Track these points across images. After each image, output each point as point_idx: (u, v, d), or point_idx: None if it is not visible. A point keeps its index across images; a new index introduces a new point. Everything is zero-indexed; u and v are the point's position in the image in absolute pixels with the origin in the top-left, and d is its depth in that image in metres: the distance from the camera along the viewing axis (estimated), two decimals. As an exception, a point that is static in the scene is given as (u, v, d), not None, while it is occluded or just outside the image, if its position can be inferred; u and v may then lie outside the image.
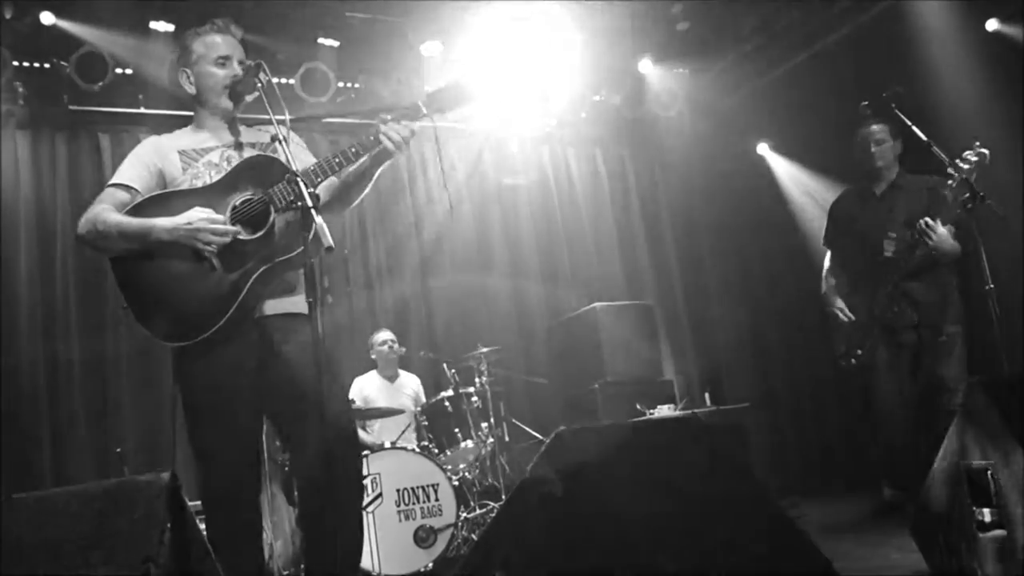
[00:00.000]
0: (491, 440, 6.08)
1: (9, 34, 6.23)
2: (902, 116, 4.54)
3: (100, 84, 6.50)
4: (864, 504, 5.52)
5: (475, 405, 6.09)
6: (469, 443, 5.96)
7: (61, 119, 6.77)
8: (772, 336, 8.49)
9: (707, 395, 6.93)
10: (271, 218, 2.98)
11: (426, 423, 6.03)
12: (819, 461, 8.00)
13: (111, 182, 3.16)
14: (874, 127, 5.26)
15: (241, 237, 2.98)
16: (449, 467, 5.72)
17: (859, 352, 5.22)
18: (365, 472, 5.31)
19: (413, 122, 3.11)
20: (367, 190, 3.30)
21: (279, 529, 5.32)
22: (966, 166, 4.50)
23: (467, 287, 7.98)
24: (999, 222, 4.24)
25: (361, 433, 6.17)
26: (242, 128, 3.30)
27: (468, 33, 7.14)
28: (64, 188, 6.67)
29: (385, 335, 6.69)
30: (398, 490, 5.42)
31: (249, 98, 3.20)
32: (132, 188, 3.11)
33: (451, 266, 7.99)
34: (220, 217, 2.97)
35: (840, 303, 5.31)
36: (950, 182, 4.72)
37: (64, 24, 6.34)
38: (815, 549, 2.88)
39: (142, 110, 6.89)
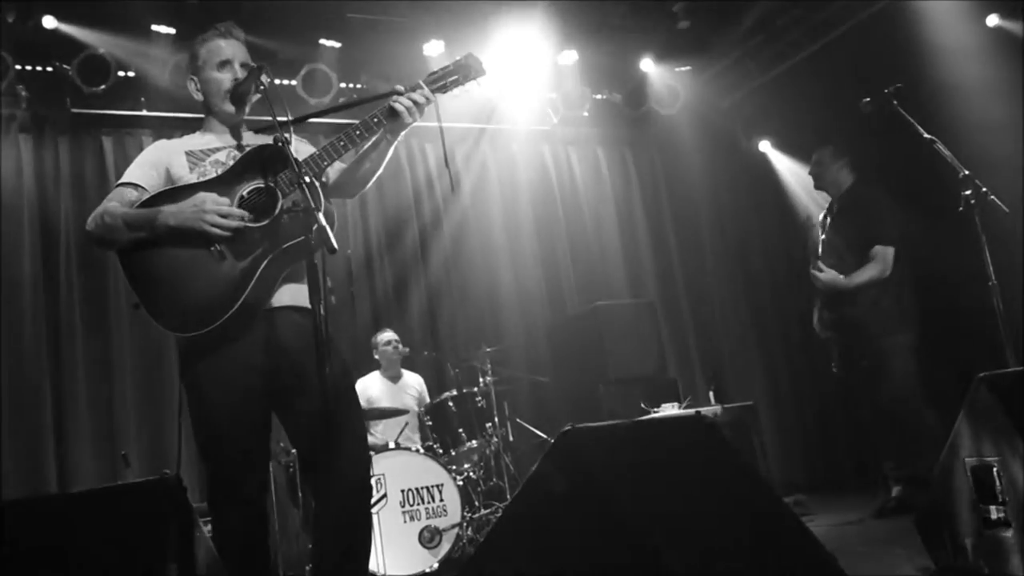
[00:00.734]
0: (495, 440, 6.08)
1: (11, 38, 6.25)
2: (903, 112, 4.53)
3: (102, 87, 6.52)
4: (869, 501, 5.51)
5: (479, 405, 6.10)
6: (473, 443, 5.96)
7: (64, 122, 6.78)
8: (775, 333, 8.49)
9: (711, 393, 6.91)
10: (279, 204, 2.98)
11: (430, 423, 6.03)
12: (823, 458, 8.00)
13: (119, 181, 3.17)
14: (815, 154, 5.79)
15: (249, 225, 2.97)
16: (454, 467, 5.72)
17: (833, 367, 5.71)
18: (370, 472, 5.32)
19: (421, 90, 3.13)
20: (382, 168, 3.28)
21: (284, 530, 5.33)
22: None
23: (470, 287, 7.99)
24: (1002, 218, 4.23)
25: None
26: (249, 133, 3.31)
27: (470, 33, 7.14)
28: (67, 191, 6.68)
29: (389, 335, 6.69)
30: (403, 491, 5.42)
31: (252, 100, 3.21)
32: (140, 187, 3.11)
33: (454, 266, 8.00)
34: (226, 200, 2.97)
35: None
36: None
37: (66, 28, 6.36)
38: (820, 547, 2.88)
39: (144, 112, 6.90)
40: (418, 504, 5.43)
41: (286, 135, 2.87)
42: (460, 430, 5.95)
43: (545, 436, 6.43)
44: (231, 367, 2.96)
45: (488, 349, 6.41)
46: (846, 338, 5.57)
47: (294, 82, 7.00)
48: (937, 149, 4.37)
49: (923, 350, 5.52)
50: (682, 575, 2.65)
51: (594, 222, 8.66)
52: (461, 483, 5.64)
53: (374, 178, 3.32)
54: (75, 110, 6.73)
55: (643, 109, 8.47)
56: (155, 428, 6.33)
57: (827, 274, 5.52)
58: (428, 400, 6.54)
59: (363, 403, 6.31)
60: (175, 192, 3.06)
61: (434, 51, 7.35)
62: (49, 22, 6.28)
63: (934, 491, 3.32)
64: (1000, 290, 4.16)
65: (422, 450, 5.71)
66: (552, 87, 8.10)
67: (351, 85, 7.48)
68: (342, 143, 3.06)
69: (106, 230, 3.01)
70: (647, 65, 8.15)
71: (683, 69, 8.29)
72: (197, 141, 3.25)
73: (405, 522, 5.37)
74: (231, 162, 3.14)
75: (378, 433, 6.36)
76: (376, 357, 6.69)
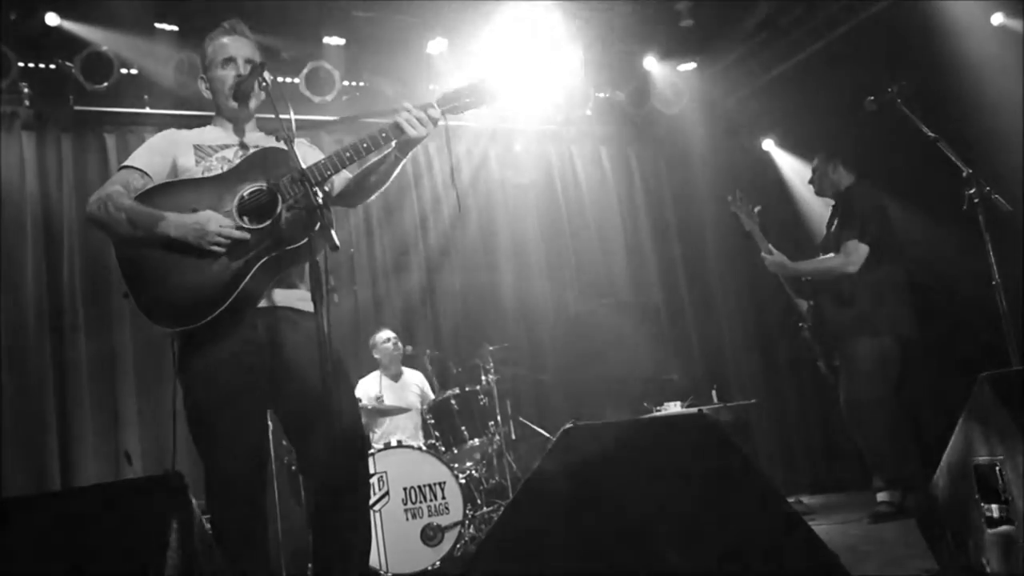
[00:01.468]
0: (498, 438, 6.08)
1: (14, 35, 6.25)
2: (907, 111, 4.53)
3: (105, 84, 6.52)
4: (870, 500, 5.51)
5: (481, 403, 6.09)
6: (476, 441, 5.96)
7: (66, 119, 6.77)
8: (778, 333, 8.48)
9: (714, 392, 6.92)
10: (278, 209, 2.98)
11: (433, 421, 6.03)
12: (825, 457, 7.99)
13: (125, 164, 3.17)
14: (812, 165, 5.79)
15: (247, 226, 2.97)
16: (456, 465, 5.72)
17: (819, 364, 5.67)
18: (372, 471, 5.32)
19: (432, 110, 3.11)
20: (388, 182, 3.28)
21: (287, 528, 5.33)
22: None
23: (473, 285, 7.99)
24: (1005, 216, 4.23)
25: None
26: (257, 134, 3.31)
27: (474, 31, 7.14)
28: (70, 188, 6.68)
29: (387, 333, 6.69)
30: (405, 489, 5.42)
31: (257, 97, 3.21)
32: (146, 173, 3.12)
33: (457, 264, 8.00)
34: (228, 222, 2.97)
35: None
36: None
37: (69, 25, 6.36)
38: (822, 545, 2.88)
39: (147, 110, 6.91)
40: (420, 502, 5.43)
41: (289, 132, 2.87)
42: (462, 428, 5.95)
43: (547, 434, 6.43)
44: (227, 365, 2.96)
45: (491, 347, 6.41)
46: (819, 332, 5.52)
47: (297, 80, 7.00)
48: (941, 148, 4.36)
49: (918, 352, 5.48)
50: (684, 574, 2.65)
51: (597, 220, 8.65)
52: (463, 481, 5.64)
53: (379, 191, 3.31)
54: (78, 107, 6.73)
55: (646, 108, 8.46)
56: (157, 426, 6.34)
57: (775, 256, 5.49)
58: (431, 396, 6.54)
59: (365, 402, 6.32)
60: (176, 187, 3.06)
61: (437, 49, 7.36)
62: (52, 19, 6.29)
63: (936, 491, 3.31)
64: (1003, 289, 4.15)
65: (424, 448, 5.70)
66: (555, 86, 8.09)
67: (354, 83, 7.48)
68: (348, 155, 3.05)
69: (109, 220, 3.01)
70: (650, 64, 8.15)
71: (687, 68, 8.28)
72: (207, 136, 3.26)
73: (407, 520, 5.38)
74: (237, 160, 3.14)
75: (380, 431, 6.37)
76: (377, 357, 6.69)
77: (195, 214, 2.96)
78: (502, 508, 5.61)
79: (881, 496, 5.19)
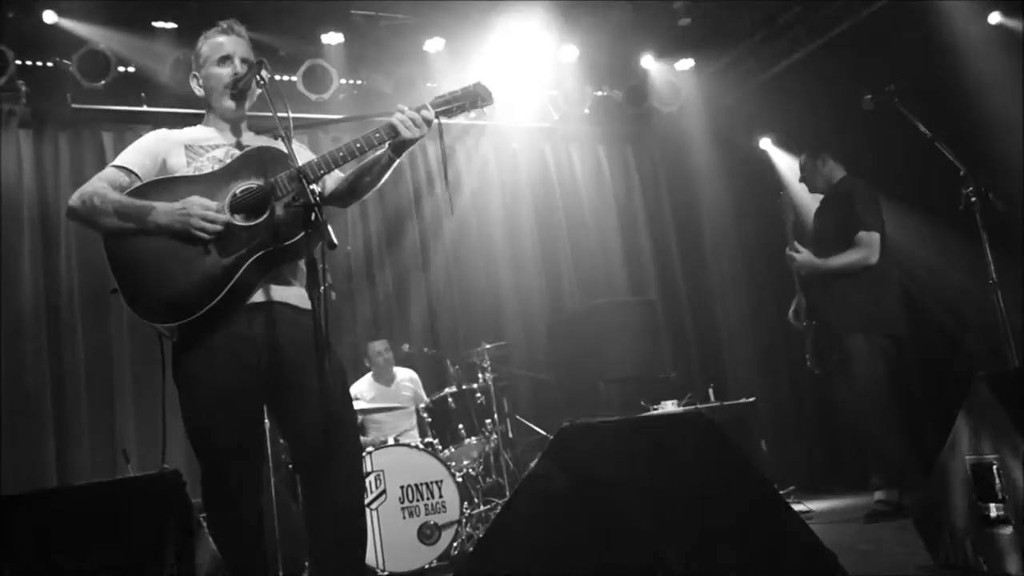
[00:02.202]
0: (495, 436, 6.08)
1: (11, 33, 6.24)
2: (904, 111, 4.53)
3: (103, 82, 6.51)
4: (868, 499, 5.51)
5: (478, 401, 6.10)
6: (473, 439, 5.97)
7: (64, 117, 6.77)
8: (775, 331, 8.48)
9: (711, 390, 6.92)
10: (271, 207, 2.97)
11: (430, 420, 6.03)
12: (824, 456, 7.99)
13: (113, 163, 3.16)
14: (799, 163, 5.80)
15: (238, 223, 2.97)
16: (453, 464, 5.73)
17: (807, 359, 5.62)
18: (369, 469, 5.33)
19: (426, 111, 3.11)
20: (381, 183, 3.28)
21: (284, 527, 5.33)
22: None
23: (470, 283, 8.00)
24: (1002, 215, 4.23)
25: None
26: (249, 133, 3.30)
27: (472, 30, 7.14)
28: (67, 186, 6.66)
29: (381, 345, 6.69)
30: (402, 487, 5.42)
31: (253, 96, 3.20)
32: (133, 172, 3.10)
33: (454, 262, 8.00)
34: (214, 204, 2.96)
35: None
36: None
37: (66, 23, 6.35)
38: (820, 544, 2.88)
39: (145, 108, 6.90)
40: (417, 500, 5.43)
41: (287, 131, 2.87)
42: (460, 426, 5.95)
43: (544, 433, 6.43)
44: (223, 364, 2.95)
45: (488, 346, 6.41)
46: (816, 330, 5.48)
47: (295, 78, 7.00)
48: (938, 147, 4.37)
49: (913, 350, 5.48)
50: (681, 572, 2.65)
51: (594, 219, 8.66)
52: (460, 479, 5.64)
53: (372, 191, 3.31)
54: (75, 105, 6.72)
55: (644, 107, 8.46)
56: (155, 424, 6.33)
57: (803, 255, 5.42)
58: (424, 396, 6.54)
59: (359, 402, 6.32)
60: (168, 183, 3.05)
61: (434, 48, 7.36)
62: (49, 17, 6.28)
63: (933, 489, 3.32)
64: (1001, 288, 4.15)
65: (421, 446, 5.71)
66: (553, 84, 8.09)
67: (352, 81, 7.48)
68: (342, 154, 3.04)
69: (94, 213, 3.00)
70: (648, 62, 8.16)
71: (684, 67, 8.29)
72: (198, 135, 3.25)
73: (404, 518, 5.38)
74: (228, 159, 3.13)
75: (373, 431, 6.37)
76: (367, 364, 6.69)
77: (180, 200, 2.96)
78: (499, 507, 5.63)
79: (878, 495, 5.18)
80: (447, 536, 5.41)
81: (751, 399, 6.81)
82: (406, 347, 6.74)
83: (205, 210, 2.93)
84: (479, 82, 3.21)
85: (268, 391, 3.03)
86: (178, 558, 2.19)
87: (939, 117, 4.66)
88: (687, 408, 6.45)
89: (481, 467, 6.06)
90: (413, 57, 7.42)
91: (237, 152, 3.18)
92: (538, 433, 6.56)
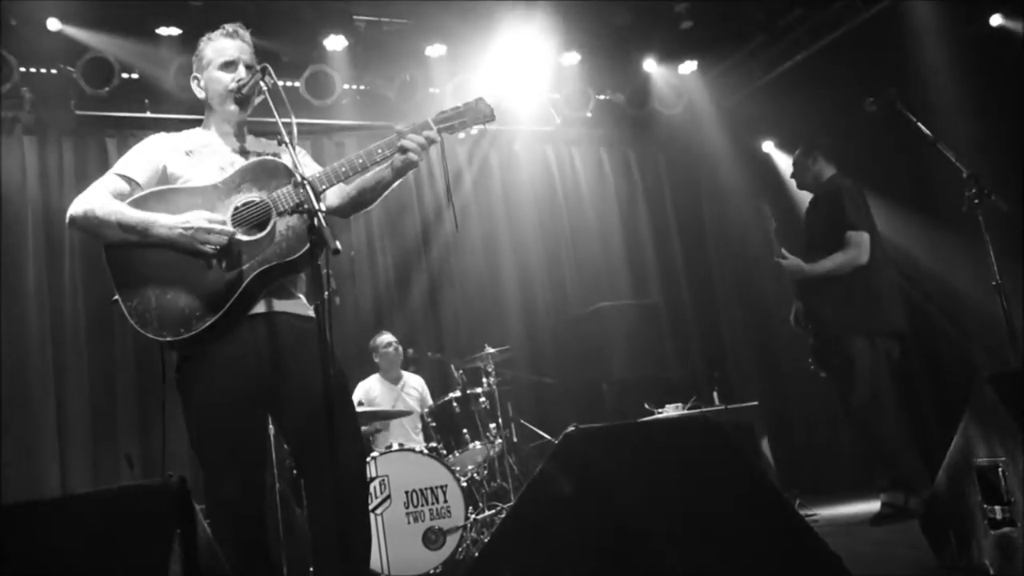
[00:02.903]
0: (499, 441, 6.07)
1: (15, 40, 6.26)
2: (906, 112, 4.53)
3: (107, 89, 6.53)
4: (873, 502, 5.51)
5: (483, 406, 6.09)
6: (477, 444, 5.96)
7: (68, 124, 6.79)
8: (779, 334, 8.47)
9: (715, 394, 6.91)
10: (272, 221, 2.98)
11: (434, 424, 6.03)
12: (828, 458, 7.98)
13: (113, 170, 3.15)
14: (792, 159, 5.72)
15: (240, 238, 2.97)
16: (457, 468, 5.72)
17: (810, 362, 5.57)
18: (374, 474, 5.33)
19: (429, 131, 3.12)
20: (381, 198, 3.30)
21: (288, 531, 5.33)
22: None
23: (474, 287, 8.00)
24: (1005, 217, 4.23)
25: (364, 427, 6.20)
26: (250, 137, 3.30)
27: (474, 34, 7.15)
28: (71, 193, 6.57)
29: (388, 337, 6.69)
30: (407, 492, 5.42)
31: (256, 101, 3.20)
32: (133, 180, 3.09)
33: (457, 266, 8.00)
34: (219, 217, 2.96)
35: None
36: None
37: (70, 30, 6.37)
38: (825, 547, 2.88)
39: (149, 114, 6.92)
40: (422, 505, 5.42)
41: (290, 136, 2.87)
42: (464, 431, 5.95)
43: (549, 437, 6.43)
44: (224, 374, 2.95)
45: (492, 350, 6.40)
46: (816, 333, 5.45)
47: (298, 83, 7.01)
48: (940, 149, 4.36)
49: (916, 350, 5.46)
50: (686, 576, 2.65)
51: (597, 222, 8.66)
52: (465, 484, 5.64)
53: (372, 206, 3.33)
54: (79, 112, 6.75)
55: (646, 110, 8.47)
56: (159, 430, 6.34)
57: (790, 261, 5.34)
58: (430, 401, 6.54)
59: (365, 406, 6.32)
60: (171, 194, 3.05)
61: (437, 53, 7.37)
62: (53, 24, 6.29)
63: (938, 491, 3.31)
64: (1003, 290, 4.15)
65: (426, 451, 5.70)
66: (555, 88, 8.10)
67: (355, 87, 7.49)
68: (344, 170, 3.06)
69: (96, 224, 2.99)
70: (650, 65, 8.16)
71: (686, 69, 8.29)
72: (197, 141, 3.24)
73: (409, 523, 5.37)
74: (229, 168, 3.13)
75: (380, 436, 6.37)
76: (376, 360, 6.69)
77: (184, 213, 2.95)
78: (504, 511, 5.62)
79: (884, 497, 5.17)
80: (452, 541, 5.41)
81: (755, 402, 6.80)
82: (410, 351, 6.74)
83: (211, 223, 2.93)
84: (481, 98, 3.22)
85: (270, 398, 3.03)
86: (182, 565, 2.19)
87: (940, 118, 4.66)
88: (691, 412, 6.45)
89: (486, 472, 6.05)
90: (416, 62, 7.43)
91: (239, 158, 3.18)
92: (542, 437, 6.55)
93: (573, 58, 7.80)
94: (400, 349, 6.67)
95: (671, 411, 6.46)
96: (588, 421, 5.30)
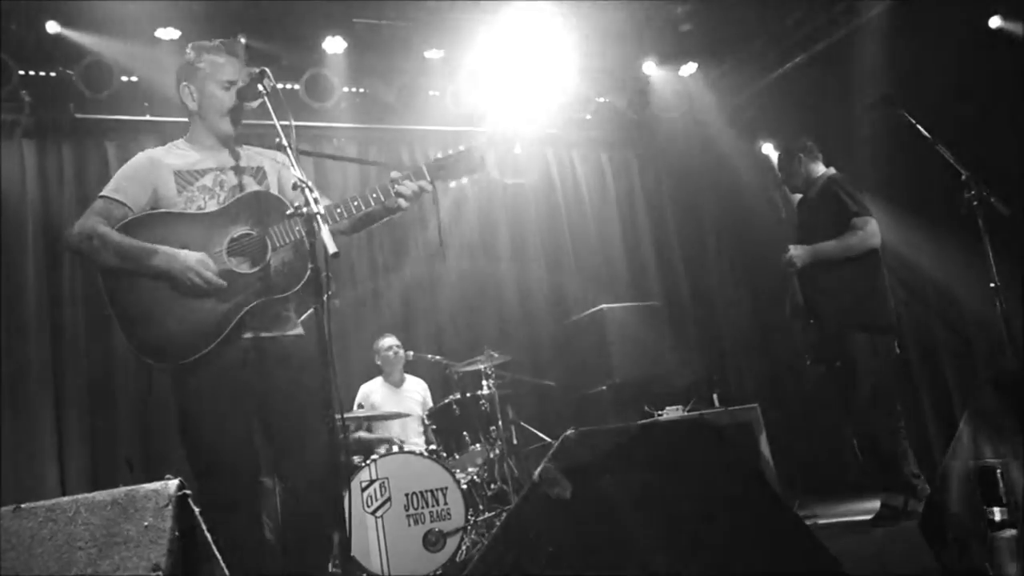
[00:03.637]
0: (499, 443, 6.07)
1: (14, 43, 6.26)
2: (906, 114, 4.53)
3: (106, 92, 6.53)
4: (873, 504, 5.51)
5: (483, 408, 6.09)
6: (477, 446, 5.96)
7: (67, 127, 6.78)
8: (780, 336, 8.47)
9: (715, 396, 6.91)
10: (267, 256, 3.02)
11: (434, 427, 6.03)
12: (827, 461, 7.97)
13: (104, 194, 3.19)
14: (777, 163, 5.71)
15: (236, 270, 3.02)
16: (458, 471, 5.72)
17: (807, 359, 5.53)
18: (374, 476, 5.34)
19: (422, 181, 3.21)
20: (364, 230, 3.47)
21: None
22: None
23: (474, 290, 7.99)
24: (1004, 219, 4.23)
25: (364, 434, 6.20)
26: (239, 150, 3.33)
27: (473, 37, 7.15)
28: (70, 196, 6.68)
29: (390, 340, 6.70)
30: (407, 494, 5.42)
31: (253, 105, 3.22)
32: (125, 205, 3.14)
33: (457, 269, 8.00)
34: (214, 267, 3.03)
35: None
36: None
37: (69, 33, 6.36)
38: (825, 550, 2.88)
39: (148, 118, 6.91)
40: (422, 508, 5.42)
41: (288, 142, 2.88)
42: (464, 434, 5.95)
43: (549, 439, 6.42)
44: (218, 389, 3.03)
45: (492, 353, 6.40)
46: (816, 328, 5.36)
47: (297, 86, 7.01)
48: (939, 151, 4.37)
49: (914, 354, 5.44)
50: (686, 578, 2.65)
51: (598, 225, 8.66)
52: (465, 487, 5.64)
53: (354, 235, 3.48)
54: (78, 115, 6.74)
55: (646, 112, 8.47)
56: (158, 433, 6.34)
57: (798, 247, 5.24)
58: (432, 404, 6.54)
59: (367, 408, 6.33)
60: (168, 219, 3.11)
61: (436, 56, 7.37)
62: (52, 27, 6.29)
63: (938, 493, 3.31)
64: (1002, 292, 4.15)
65: (426, 453, 5.71)
66: (555, 90, 8.09)
67: (354, 89, 7.49)
68: (339, 211, 3.14)
69: (93, 252, 3.06)
70: (650, 68, 8.16)
71: (686, 72, 8.29)
72: (185, 159, 3.26)
73: (409, 526, 5.37)
74: (217, 188, 3.18)
75: (380, 430, 6.37)
76: (378, 363, 6.69)
77: (184, 252, 3.01)
78: (504, 514, 5.62)
79: (883, 498, 5.17)
80: (452, 543, 5.41)
81: (754, 404, 6.80)
82: (410, 354, 6.74)
83: (207, 271, 3.01)
84: (473, 146, 3.27)
85: (261, 411, 3.09)
86: (183, 569, 2.19)
87: (940, 120, 4.66)
88: (691, 414, 6.45)
89: (486, 474, 6.05)
90: (415, 65, 7.43)
91: (224, 177, 3.22)
92: (542, 440, 6.55)
93: (573, 60, 7.79)
94: (402, 352, 6.67)
95: (671, 413, 6.46)
96: (587, 424, 5.31)
